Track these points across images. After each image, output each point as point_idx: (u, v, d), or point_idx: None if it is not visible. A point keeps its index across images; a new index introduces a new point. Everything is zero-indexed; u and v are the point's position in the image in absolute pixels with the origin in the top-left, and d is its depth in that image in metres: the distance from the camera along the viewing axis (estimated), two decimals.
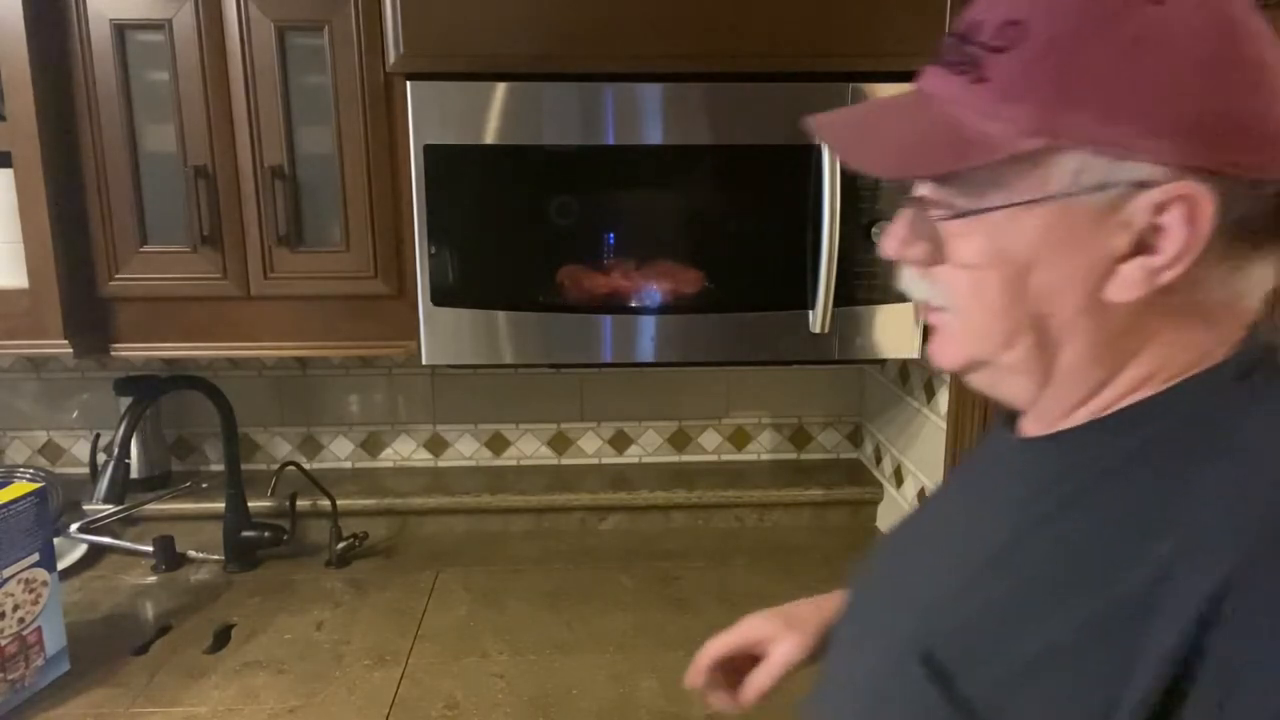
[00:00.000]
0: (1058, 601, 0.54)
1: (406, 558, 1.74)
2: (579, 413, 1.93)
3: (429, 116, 1.30)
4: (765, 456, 1.98)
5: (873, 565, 0.78)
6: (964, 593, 0.61)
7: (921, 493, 1.68)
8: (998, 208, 0.55)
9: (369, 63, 1.36)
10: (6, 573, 1.23)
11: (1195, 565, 0.49)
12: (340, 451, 1.92)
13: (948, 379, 1.53)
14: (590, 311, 1.36)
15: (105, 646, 1.41)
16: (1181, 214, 0.52)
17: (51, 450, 1.89)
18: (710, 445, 1.97)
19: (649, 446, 1.95)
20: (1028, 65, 0.53)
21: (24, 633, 1.27)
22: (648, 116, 1.32)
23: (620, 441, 1.95)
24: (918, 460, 1.70)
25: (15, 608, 1.25)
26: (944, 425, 1.55)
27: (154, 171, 1.40)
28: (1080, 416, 0.61)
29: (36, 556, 1.27)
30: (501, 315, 1.36)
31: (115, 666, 1.36)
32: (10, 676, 1.25)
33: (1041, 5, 0.53)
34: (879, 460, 1.90)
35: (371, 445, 1.92)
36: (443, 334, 1.37)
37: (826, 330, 1.35)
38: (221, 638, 1.44)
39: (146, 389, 1.63)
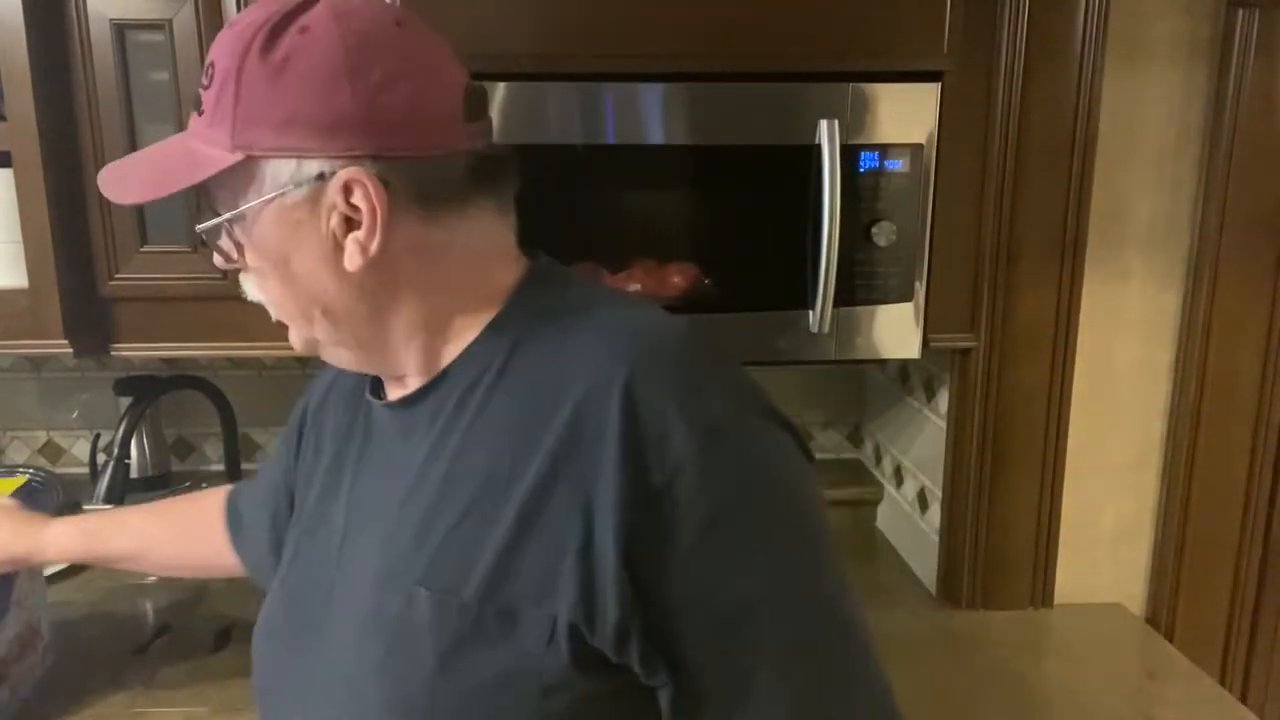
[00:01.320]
0: (503, 496, 0.65)
1: None
2: None
3: None
4: None
5: (300, 569, 0.82)
6: (423, 536, 0.68)
7: (922, 493, 1.68)
8: (238, 213, 0.68)
9: None
10: None
11: (599, 403, 0.63)
12: None
13: (948, 379, 1.53)
14: None
15: (105, 646, 1.41)
16: (361, 194, 0.65)
17: (51, 450, 1.89)
18: None
19: None
20: (218, 96, 0.65)
21: (20, 633, 1.27)
22: (648, 116, 1.32)
23: None
24: (918, 460, 1.70)
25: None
26: (944, 425, 1.55)
27: None
28: (443, 363, 0.72)
29: None
30: None
31: (115, 666, 1.36)
32: (9, 674, 1.25)
33: (221, 44, 0.66)
34: (879, 460, 1.90)
35: None
36: None
37: (826, 330, 1.35)
38: (221, 638, 1.44)
39: (146, 389, 1.63)
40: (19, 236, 1.36)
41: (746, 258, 1.37)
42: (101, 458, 1.79)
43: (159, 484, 1.82)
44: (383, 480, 0.75)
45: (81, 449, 1.86)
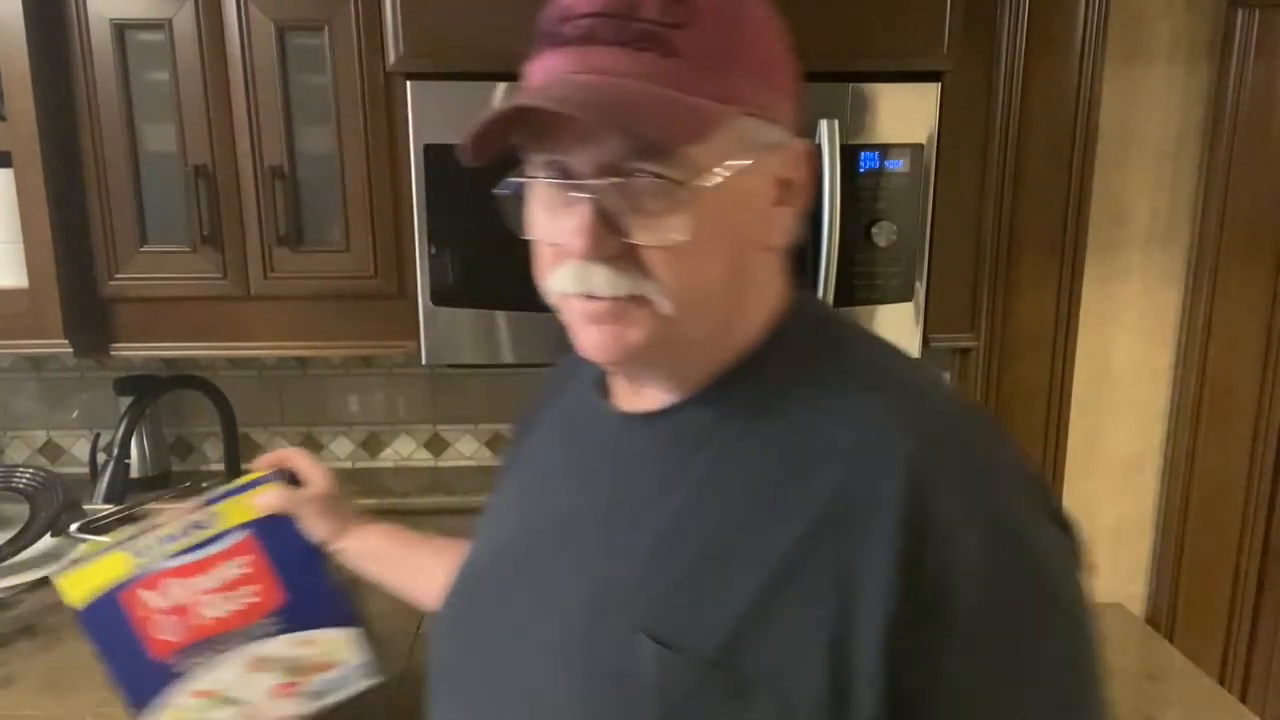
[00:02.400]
0: (749, 551, 0.57)
1: None
2: None
3: (429, 116, 1.30)
4: None
5: (490, 568, 0.74)
6: (651, 570, 0.60)
7: None
8: (717, 175, 0.57)
9: (369, 63, 1.36)
10: None
11: (875, 472, 0.56)
12: (340, 451, 1.92)
13: (948, 379, 1.53)
14: None
15: None
16: (804, 166, 0.62)
17: (51, 450, 1.89)
18: None
19: None
20: (709, 39, 0.56)
21: None
22: None
23: None
24: None
25: None
26: None
27: (154, 171, 1.40)
28: (706, 379, 0.64)
29: None
30: (501, 315, 1.36)
31: None
32: None
33: None
34: None
35: (371, 445, 1.92)
36: (443, 334, 1.37)
37: None
38: None
39: (146, 389, 1.63)
40: (19, 236, 1.36)
41: None
42: (101, 458, 1.79)
43: (159, 484, 1.82)
44: (595, 492, 0.67)
45: (81, 449, 1.86)
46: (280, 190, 1.39)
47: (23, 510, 1.69)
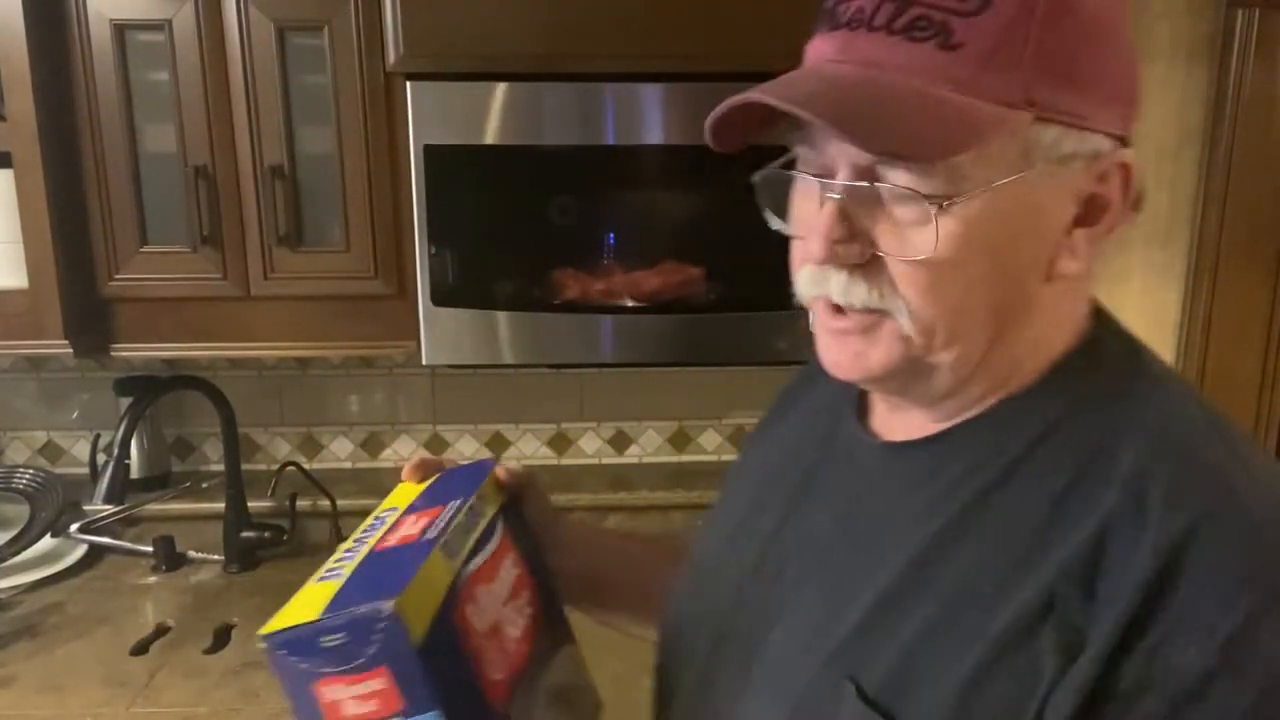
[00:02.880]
0: (985, 609, 0.51)
1: None
2: (579, 413, 1.92)
3: (429, 116, 1.30)
4: None
5: (721, 594, 0.68)
6: (879, 618, 0.55)
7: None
8: (983, 189, 0.50)
9: (369, 63, 1.36)
10: None
11: (1131, 537, 0.48)
12: (340, 451, 1.92)
13: None
14: (590, 311, 1.36)
15: (105, 646, 1.41)
16: (1119, 183, 0.52)
17: (51, 450, 1.89)
18: (710, 445, 1.97)
19: (649, 446, 1.95)
20: (1004, 30, 0.48)
21: None
22: (648, 116, 1.32)
23: (620, 442, 1.94)
24: None
25: None
26: None
27: (154, 171, 1.40)
28: (972, 411, 0.57)
29: None
30: (501, 315, 1.36)
31: (115, 666, 1.36)
32: None
33: None
34: None
35: (372, 445, 1.92)
36: (443, 334, 1.37)
37: None
38: (221, 638, 1.44)
39: (146, 389, 1.63)
40: (19, 236, 1.36)
41: (746, 258, 1.36)
42: (101, 458, 1.79)
43: (159, 484, 1.82)
44: (836, 520, 0.62)
45: (81, 449, 1.86)
46: (280, 190, 1.39)
47: (23, 510, 1.69)
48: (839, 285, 0.53)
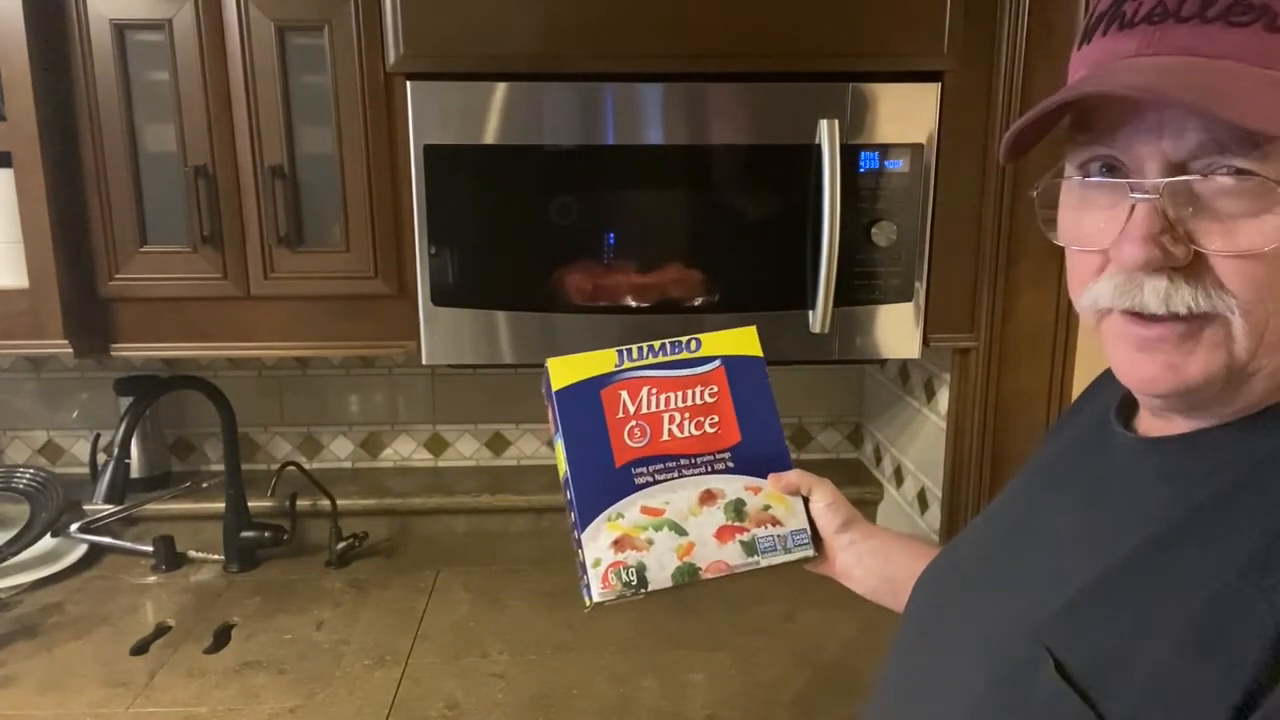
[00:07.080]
0: (1201, 606, 0.49)
1: (406, 558, 1.74)
2: None
3: (429, 116, 1.30)
4: None
5: (961, 563, 0.73)
6: (1091, 600, 0.55)
7: (922, 493, 1.68)
8: None
9: (369, 63, 1.36)
10: None
11: None
12: (340, 451, 1.92)
13: (948, 379, 1.53)
14: (590, 312, 1.36)
15: (105, 646, 1.42)
16: None
17: (51, 450, 1.89)
18: None
19: None
20: None
21: None
22: (648, 116, 1.32)
23: None
24: (917, 460, 1.70)
25: None
26: (944, 425, 1.55)
27: (154, 171, 1.40)
28: (1231, 415, 0.55)
29: None
30: (501, 315, 1.36)
31: (115, 666, 1.36)
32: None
33: None
34: (879, 460, 1.90)
35: (371, 445, 1.92)
36: (443, 334, 1.37)
37: (826, 330, 1.35)
38: (221, 638, 1.45)
39: (146, 389, 1.63)
40: (19, 236, 1.36)
41: (747, 258, 1.37)
42: (101, 458, 1.79)
43: (159, 484, 1.82)
44: (1078, 505, 0.62)
45: (81, 449, 1.86)
46: (280, 190, 1.39)
47: (23, 510, 1.69)
48: (1157, 292, 0.51)
